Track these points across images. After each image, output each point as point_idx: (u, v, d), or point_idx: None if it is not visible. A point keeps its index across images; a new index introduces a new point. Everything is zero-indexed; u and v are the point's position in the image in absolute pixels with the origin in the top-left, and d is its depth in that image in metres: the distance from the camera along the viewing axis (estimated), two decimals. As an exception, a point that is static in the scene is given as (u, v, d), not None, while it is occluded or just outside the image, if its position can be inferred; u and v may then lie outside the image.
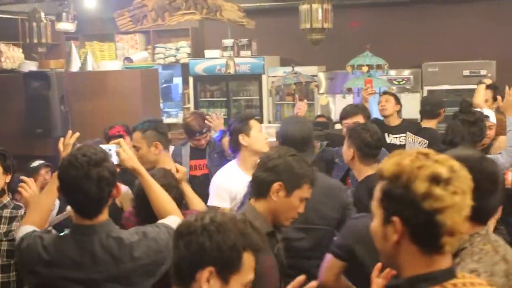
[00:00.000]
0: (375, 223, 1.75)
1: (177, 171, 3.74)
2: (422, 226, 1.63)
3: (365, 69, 6.92)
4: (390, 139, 6.04)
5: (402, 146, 5.60)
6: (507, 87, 4.82)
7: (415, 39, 9.84)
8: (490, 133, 4.92)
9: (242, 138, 3.94)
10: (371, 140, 3.66)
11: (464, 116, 4.47)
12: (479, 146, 4.49)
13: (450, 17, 9.82)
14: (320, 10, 7.61)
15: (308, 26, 7.71)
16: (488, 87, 6.00)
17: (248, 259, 1.87)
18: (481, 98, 5.77)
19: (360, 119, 4.96)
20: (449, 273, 1.69)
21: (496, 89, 6.06)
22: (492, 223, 2.43)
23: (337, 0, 8.92)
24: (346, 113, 5.18)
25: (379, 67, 7.06)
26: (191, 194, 3.72)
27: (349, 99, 7.37)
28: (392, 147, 4.92)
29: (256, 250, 1.90)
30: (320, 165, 4.64)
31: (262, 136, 4.06)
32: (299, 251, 3.47)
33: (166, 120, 9.96)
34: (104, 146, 3.04)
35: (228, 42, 10.15)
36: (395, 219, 1.66)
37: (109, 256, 2.62)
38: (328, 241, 3.45)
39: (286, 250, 3.40)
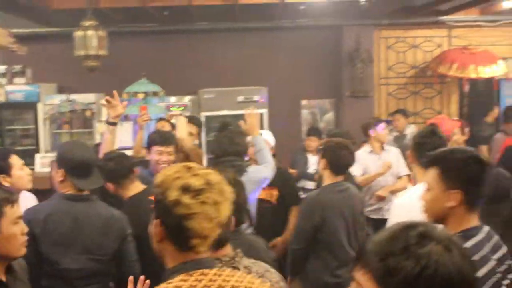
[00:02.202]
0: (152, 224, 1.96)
1: None
2: (174, 228, 1.85)
3: (140, 96, 6.98)
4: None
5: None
6: (249, 111, 4.91)
7: (192, 66, 10.12)
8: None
9: (3, 179, 3.62)
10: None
11: (227, 133, 4.87)
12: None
13: (224, 46, 10.26)
14: (94, 37, 7.54)
15: (83, 53, 7.59)
16: (190, 120, 6.03)
17: None
18: (184, 131, 5.66)
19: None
20: (197, 264, 1.86)
21: (197, 122, 6.14)
22: None
23: (114, 27, 8.91)
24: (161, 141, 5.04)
25: (155, 94, 7.15)
26: None
27: (128, 126, 7.37)
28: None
29: None
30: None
31: (24, 172, 3.76)
32: (78, 280, 3.40)
33: None
34: None
35: None
36: (156, 221, 1.89)
37: None
38: (107, 270, 3.48)
39: (66, 280, 3.34)
